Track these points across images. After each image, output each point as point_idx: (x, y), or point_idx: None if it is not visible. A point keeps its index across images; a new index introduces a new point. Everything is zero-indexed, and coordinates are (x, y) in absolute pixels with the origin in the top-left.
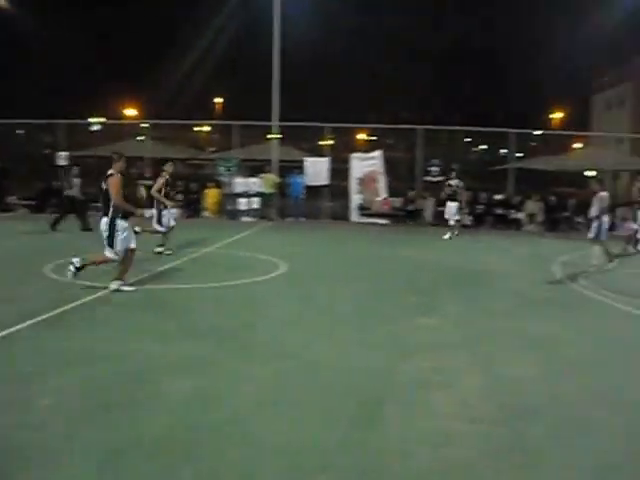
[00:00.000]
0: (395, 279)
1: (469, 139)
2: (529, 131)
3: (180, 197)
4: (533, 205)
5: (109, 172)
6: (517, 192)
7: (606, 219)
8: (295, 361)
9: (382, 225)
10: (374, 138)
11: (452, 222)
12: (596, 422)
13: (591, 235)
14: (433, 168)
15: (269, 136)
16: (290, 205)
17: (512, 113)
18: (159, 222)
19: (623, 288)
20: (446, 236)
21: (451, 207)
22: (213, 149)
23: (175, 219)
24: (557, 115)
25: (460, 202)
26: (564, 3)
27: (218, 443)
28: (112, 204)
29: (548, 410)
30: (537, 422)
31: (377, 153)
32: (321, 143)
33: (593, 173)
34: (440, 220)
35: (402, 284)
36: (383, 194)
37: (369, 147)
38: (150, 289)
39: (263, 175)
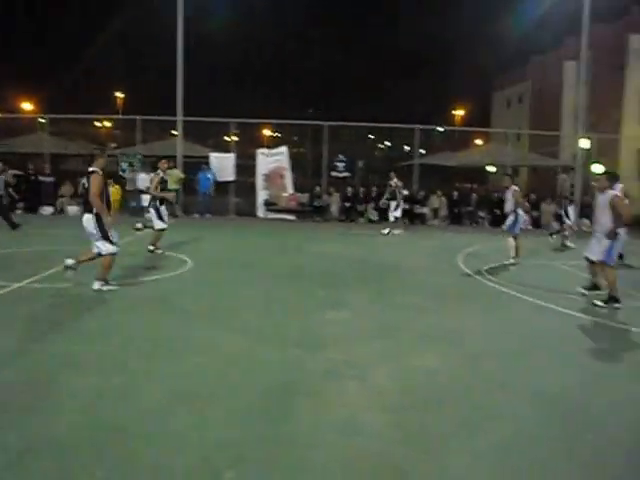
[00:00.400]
0: (304, 274)
1: (374, 135)
2: (433, 127)
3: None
4: (437, 200)
5: (91, 169)
6: (422, 187)
7: (521, 213)
8: (205, 356)
9: (289, 221)
10: (280, 134)
11: (392, 219)
12: (500, 409)
13: (506, 228)
14: (339, 164)
15: (173, 132)
16: (196, 201)
17: (416, 110)
18: (160, 219)
19: (527, 280)
20: (385, 231)
21: (391, 205)
22: (115, 145)
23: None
24: (459, 112)
25: (398, 200)
26: (469, 6)
27: (127, 441)
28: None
29: (455, 399)
30: (445, 410)
31: (283, 149)
32: (226, 139)
33: (494, 169)
34: (346, 215)
35: (311, 278)
36: (289, 190)
37: (275, 143)
38: (50, 288)
39: (169, 172)
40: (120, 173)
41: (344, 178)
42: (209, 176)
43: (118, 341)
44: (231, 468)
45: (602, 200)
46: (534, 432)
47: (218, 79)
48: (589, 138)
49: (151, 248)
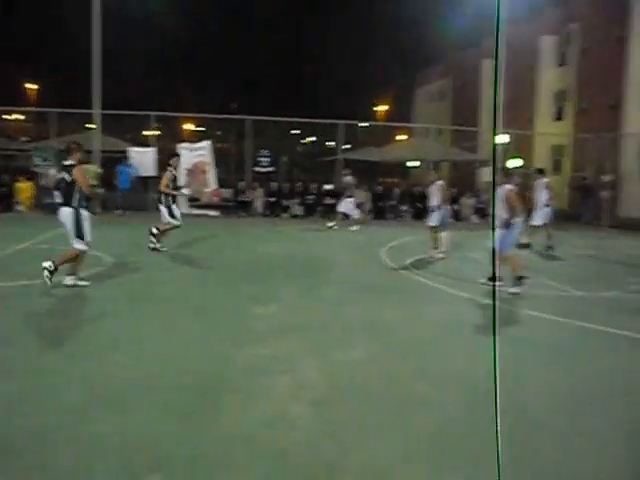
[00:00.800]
0: (230, 269)
1: (298, 131)
2: (356, 122)
3: None
4: (361, 194)
5: (69, 162)
6: None
7: (447, 207)
8: (129, 355)
9: (212, 216)
10: (203, 129)
11: (356, 216)
12: (425, 397)
13: (432, 223)
14: (263, 159)
15: (89, 125)
16: (116, 197)
17: (340, 106)
18: (172, 216)
19: (448, 272)
20: (353, 228)
21: (348, 202)
22: (27, 139)
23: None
24: (382, 108)
25: (352, 197)
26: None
27: (45, 448)
28: (78, 194)
29: (381, 389)
30: (371, 401)
31: (205, 143)
32: (146, 133)
33: (416, 163)
34: (271, 210)
35: (237, 274)
36: (213, 185)
37: (198, 138)
38: None
39: (85, 167)
40: (33, 168)
41: (268, 173)
42: (129, 171)
43: (36, 343)
44: (154, 470)
45: (499, 194)
46: (459, 418)
47: (138, 71)
48: (507, 134)
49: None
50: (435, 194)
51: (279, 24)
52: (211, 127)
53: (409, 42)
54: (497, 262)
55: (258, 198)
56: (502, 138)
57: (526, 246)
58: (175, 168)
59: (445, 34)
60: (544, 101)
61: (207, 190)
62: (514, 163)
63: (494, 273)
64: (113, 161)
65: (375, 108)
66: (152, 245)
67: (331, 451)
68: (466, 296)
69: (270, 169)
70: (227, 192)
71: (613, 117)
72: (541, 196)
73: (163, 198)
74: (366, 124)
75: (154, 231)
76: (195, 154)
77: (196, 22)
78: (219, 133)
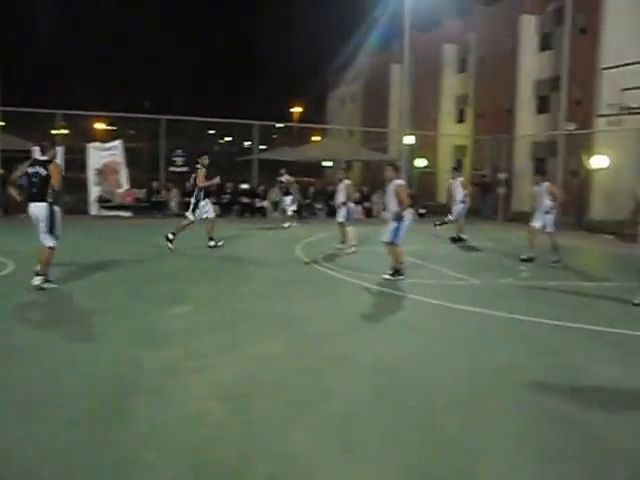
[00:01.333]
0: (144, 269)
1: (214, 131)
2: (271, 123)
3: None
4: (277, 193)
5: (44, 158)
6: (262, 181)
7: (352, 204)
8: (34, 365)
9: (126, 218)
10: (114, 128)
11: (289, 212)
12: (339, 386)
13: (340, 219)
14: (177, 159)
15: None
16: (20, 199)
17: (256, 106)
18: (192, 211)
19: (358, 265)
20: (286, 225)
21: (286, 200)
22: None
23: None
24: (297, 109)
25: (292, 194)
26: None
27: None
28: (51, 190)
29: (293, 380)
30: (286, 393)
31: (117, 143)
32: (53, 132)
33: (330, 163)
34: (186, 210)
35: (152, 274)
36: (125, 185)
37: (110, 137)
38: None
39: None
40: None
41: (183, 173)
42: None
43: None
44: None
45: (390, 188)
46: (372, 404)
47: (46, 68)
48: (413, 135)
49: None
50: (342, 192)
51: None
52: (124, 126)
53: (322, 46)
54: (391, 252)
55: (173, 198)
56: (408, 139)
57: (460, 240)
58: (205, 167)
59: (355, 39)
60: (447, 104)
61: (119, 191)
62: (420, 162)
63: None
64: (18, 161)
65: (291, 110)
66: (170, 246)
67: (245, 443)
68: (372, 287)
69: (185, 169)
70: (140, 192)
71: (508, 120)
72: (457, 193)
73: (196, 193)
74: (281, 125)
75: (170, 236)
76: (106, 154)
77: (115, 16)
78: (132, 132)
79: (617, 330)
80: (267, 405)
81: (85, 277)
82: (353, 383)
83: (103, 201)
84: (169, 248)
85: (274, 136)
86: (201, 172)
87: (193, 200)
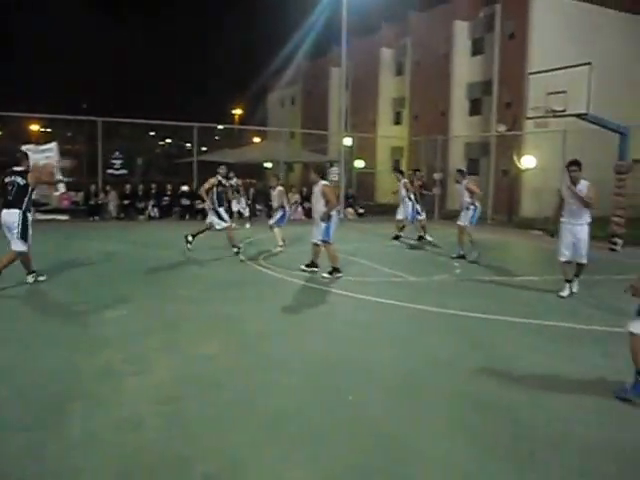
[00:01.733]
0: (83, 273)
1: (154, 133)
2: (211, 125)
3: None
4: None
5: (21, 168)
6: (202, 183)
7: (287, 208)
8: None
9: (63, 221)
10: (50, 130)
11: (246, 214)
12: (275, 384)
13: (270, 222)
14: (116, 161)
15: None
16: None
17: (198, 108)
18: (221, 219)
19: (297, 264)
20: (247, 225)
21: (242, 202)
22: None
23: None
24: (238, 111)
25: (245, 197)
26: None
27: None
28: (27, 198)
29: (231, 379)
30: (223, 393)
31: (52, 145)
32: None
33: (270, 164)
34: (125, 213)
35: (89, 277)
36: (62, 188)
37: (46, 139)
38: None
39: None
40: None
41: (121, 176)
42: (10, 180)
43: None
44: None
45: (315, 190)
46: (309, 401)
47: None
48: (351, 137)
49: (235, 250)
50: (276, 198)
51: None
52: (60, 128)
53: (262, 48)
54: (317, 252)
55: (111, 201)
56: (347, 140)
57: (421, 238)
58: (225, 177)
59: (295, 42)
60: (385, 107)
61: (56, 194)
62: (358, 163)
63: (312, 261)
64: None
65: (232, 112)
66: (189, 247)
67: (182, 445)
68: (310, 285)
69: (123, 172)
70: (77, 196)
71: (443, 122)
72: (402, 193)
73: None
74: (222, 127)
75: (189, 238)
76: (41, 156)
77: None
78: (70, 134)
79: (541, 321)
80: (205, 406)
81: (19, 282)
82: (290, 381)
83: (39, 205)
84: (188, 249)
85: (216, 138)
86: (211, 181)
87: (216, 207)
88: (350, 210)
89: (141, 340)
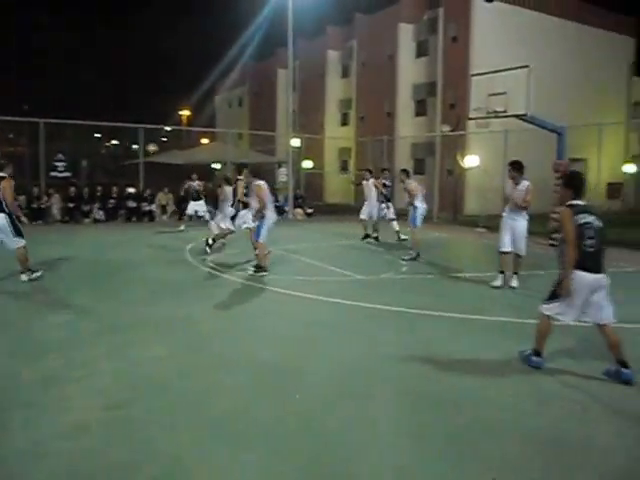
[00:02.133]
0: (19, 278)
1: (99, 134)
2: (159, 126)
3: None
4: (165, 197)
5: (2, 174)
6: (149, 185)
7: (229, 209)
8: None
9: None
10: None
11: (206, 217)
12: (223, 384)
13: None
14: (59, 164)
15: None
16: None
17: (144, 110)
18: (232, 220)
19: (245, 265)
20: (182, 227)
21: (200, 204)
22: None
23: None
24: (185, 112)
25: (205, 199)
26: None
27: None
28: (4, 202)
29: (177, 382)
30: (168, 395)
31: None
32: None
33: (219, 165)
34: (70, 216)
35: (36, 282)
36: None
37: None
38: None
39: None
40: None
41: (65, 178)
42: None
43: None
44: None
45: (251, 189)
46: (257, 400)
47: None
48: (299, 138)
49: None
50: (226, 198)
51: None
52: (1, 130)
53: (210, 49)
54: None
55: (55, 204)
56: (295, 141)
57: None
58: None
59: (242, 43)
60: (332, 108)
61: None
62: (307, 164)
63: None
64: None
65: (180, 113)
66: (207, 250)
67: (130, 450)
68: (257, 286)
69: (67, 174)
70: (19, 199)
71: (389, 123)
72: (370, 193)
73: (236, 204)
74: (168, 128)
75: (210, 242)
76: None
77: None
78: (11, 136)
79: (486, 317)
80: (152, 409)
81: None
82: (237, 381)
83: None
84: (206, 252)
85: (164, 139)
86: (241, 184)
87: (232, 210)
88: (299, 210)
89: (87, 344)
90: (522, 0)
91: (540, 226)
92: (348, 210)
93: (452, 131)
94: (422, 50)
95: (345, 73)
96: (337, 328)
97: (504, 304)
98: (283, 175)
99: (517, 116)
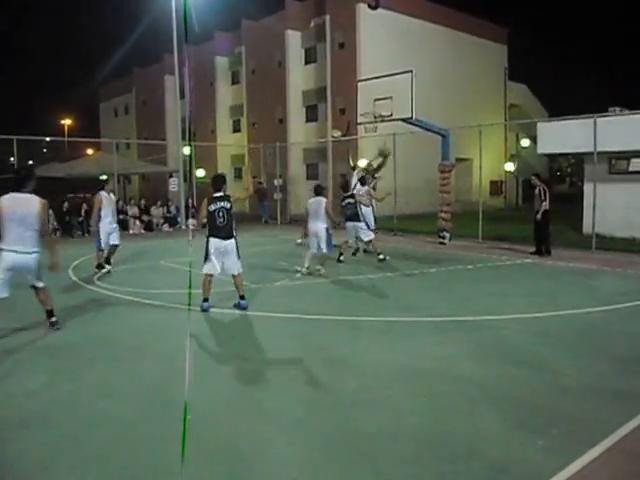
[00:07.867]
0: None
1: None
2: (36, 138)
3: None
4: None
5: None
6: None
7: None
8: None
9: None
10: None
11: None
12: (105, 413)
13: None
14: None
15: None
16: None
17: (20, 119)
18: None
19: (134, 282)
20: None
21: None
22: None
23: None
24: (67, 121)
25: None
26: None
27: None
28: None
29: (60, 413)
30: (48, 429)
31: None
32: None
33: (105, 177)
34: None
35: None
36: None
37: None
38: None
39: None
40: None
41: None
42: None
43: None
44: None
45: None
46: (144, 427)
47: None
48: (190, 146)
49: (381, 257)
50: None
51: None
52: None
53: (92, 56)
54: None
55: None
56: (186, 150)
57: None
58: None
59: (127, 50)
60: (223, 115)
61: None
62: (199, 173)
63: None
64: None
65: (62, 122)
66: (380, 256)
67: None
68: (139, 301)
69: None
70: None
71: (280, 129)
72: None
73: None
74: (48, 139)
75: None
76: None
77: None
78: None
79: (376, 318)
80: (30, 447)
81: None
82: (123, 409)
83: None
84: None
85: (44, 150)
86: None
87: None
88: (192, 221)
89: None
90: (406, 8)
91: (431, 225)
92: (244, 217)
93: (343, 136)
94: (311, 56)
95: (235, 79)
96: (228, 340)
97: (401, 305)
98: (173, 185)
99: (403, 119)
